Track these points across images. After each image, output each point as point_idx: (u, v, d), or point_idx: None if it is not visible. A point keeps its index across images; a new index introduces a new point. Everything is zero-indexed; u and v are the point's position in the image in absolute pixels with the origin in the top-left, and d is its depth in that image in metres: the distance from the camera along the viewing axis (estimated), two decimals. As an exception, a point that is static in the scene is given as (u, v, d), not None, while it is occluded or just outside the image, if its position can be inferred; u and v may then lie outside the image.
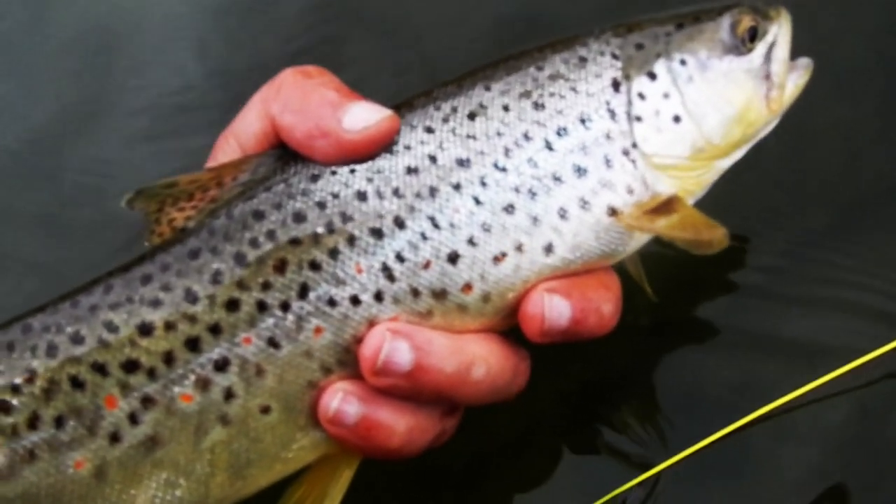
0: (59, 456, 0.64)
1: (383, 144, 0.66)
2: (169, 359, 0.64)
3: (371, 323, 0.64)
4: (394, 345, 0.62)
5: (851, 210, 0.80)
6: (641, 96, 0.67)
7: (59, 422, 0.64)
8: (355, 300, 0.64)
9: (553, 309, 0.64)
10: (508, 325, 0.67)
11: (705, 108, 0.68)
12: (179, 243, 0.67)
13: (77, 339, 0.65)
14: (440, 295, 0.64)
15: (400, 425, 0.64)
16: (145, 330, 0.64)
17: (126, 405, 0.64)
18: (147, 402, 0.64)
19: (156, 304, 0.65)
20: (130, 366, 0.64)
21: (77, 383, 0.64)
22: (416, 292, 0.64)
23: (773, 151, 0.76)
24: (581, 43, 0.69)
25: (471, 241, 0.65)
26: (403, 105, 0.68)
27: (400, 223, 0.65)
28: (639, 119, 0.67)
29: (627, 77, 0.67)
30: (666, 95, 0.67)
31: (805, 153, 0.82)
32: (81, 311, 0.66)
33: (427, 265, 0.64)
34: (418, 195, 0.65)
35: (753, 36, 0.69)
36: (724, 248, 0.66)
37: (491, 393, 0.66)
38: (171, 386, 0.64)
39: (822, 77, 0.73)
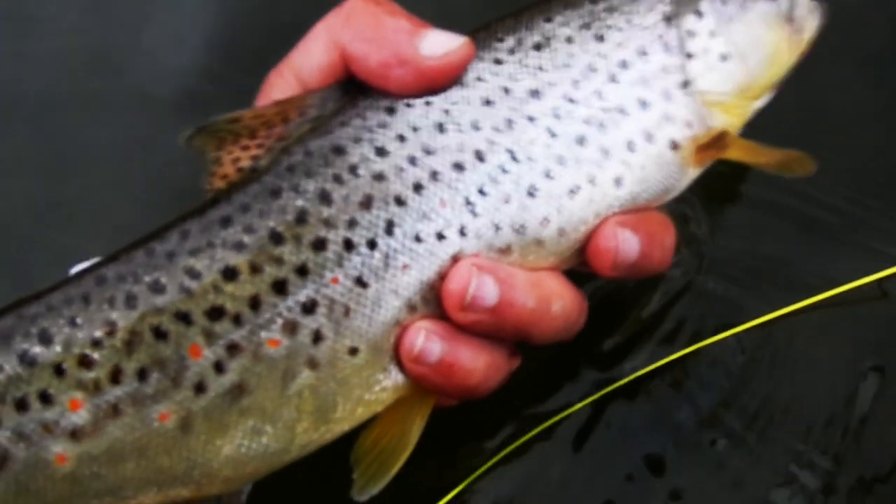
0: (143, 409, 0.62)
1: (460, 73, 0.65)
2: (255, 303, 0.63)
3: (455, 259, 0.64)
4: (481, 279, 0.63)
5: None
6: (691, 33, 0.69)
7: (142, 374, 0.62)
8: (440, 235, 0.64)
9: (626, 241, 0.66)
10: (573, 264, 0.69)
11: (746, 47, 0.71)
12: (256, 182, 0.65)
13: (157, 288, 0.62)
14: (520, 229, 0.65)
15: (479, 363, 0.65)
16: (230, 274, 0.62)
17: (211, 354, 0.62)
18: (233, 349, 0.62)
19: (239, 247, 0.63)
20: (215, 313, 0.62)
21: (160, 334, 0.62)
22: (497, 227, 0.65)
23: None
24: None
25: (547, 174, 0.66)
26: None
27: (480, 156, 0.65)
28: (690, 56, 0.69)
29: (677, 13, 0.69)
30: (712, 34, 0.70)
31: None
32: (159, 259, 0.63)
33: (508, 199, 0.65)
34: (495, 128, 0.66)
35: None
36: (814, 169, 0.69)
37: (564, 329, 0.68)
38: (258, 331, 0.62)
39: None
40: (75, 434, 0.62)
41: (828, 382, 0.79)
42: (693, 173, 0.71)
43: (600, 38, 0.68)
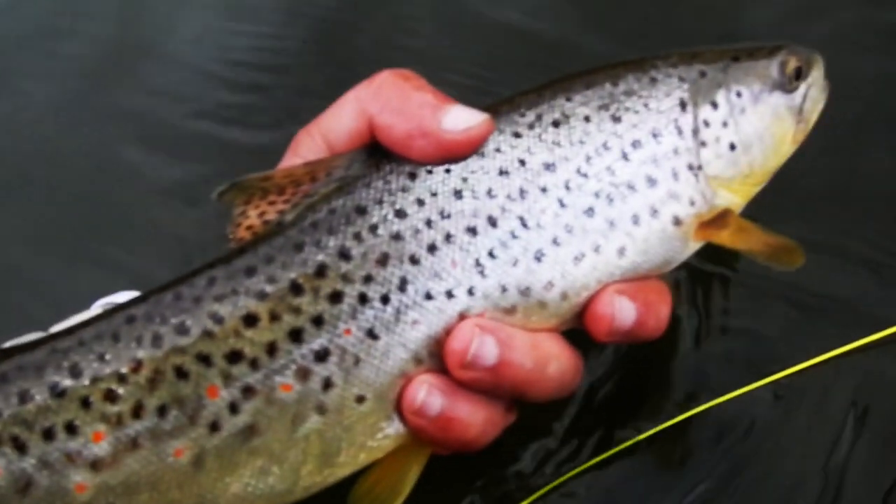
0: (160, 444, 0.66)
1: (478, 146, 0.70)
2: (272, 349, 0.66)
3: (462, 316, 0.68)
4: (482, 340, 0.66)
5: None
6: (706, 123, 0.73)
7: (161, 411, 0.65)
8: (450, 294, 0.68)
9: (622, 310, 0.69)
10: (572, 326, 0.72)
11: (753, 138, 0.74)
12: (281, 236, 0.69)
13: (182, 330, 0.66)
14: (525, 292, 0.69)
15: (477, 418, 0.68)
16: (250, 321, 0.66)
17: (227, 395, 0.66)
18: (248, 391, 0.66)
19: (261, 295, 0.67)
20: (234, 356, 0.66)
21: (181, 373, 0.66)
22: (504, 288, 0.69)
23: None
24: (651, 64, 0.74)
25: (555, 241, 0.70)
26: (488, 110, 0.72)
27: (493, 222, 0.69)
28: (704, 144, 0.73)
29: (694, 102, 0.73)
30: (724, 124, 0.74)
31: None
32: (186, 303, 0.67)
33: (515, 262, 0.69)
34: (509, 196, 0.70)
35: (797, 76, 0.76)
36: (801, 262, 0.72)
37: (558, 389, 0.71)
38: (273, 376, 0.66)
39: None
40: (95, 465, 0.66)
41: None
42: (694, 246, 0.74)
43: (617, 119, 0.72)
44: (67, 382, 0.66)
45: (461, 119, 0.68)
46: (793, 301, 0.84)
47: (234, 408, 0.66)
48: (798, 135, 0.77)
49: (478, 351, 0.66)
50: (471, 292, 0.68)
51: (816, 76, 0.77)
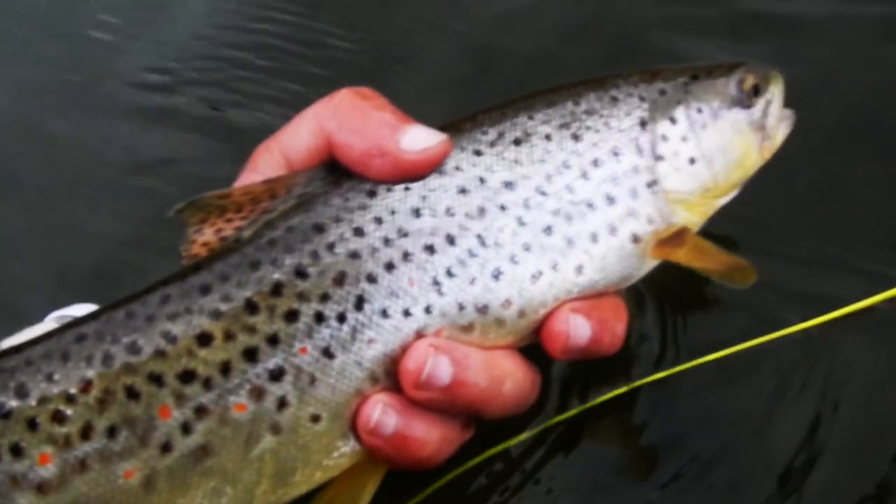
0: (109, 466, 0.64)
1: (436, 166, 0.70)
2: (226, 369, 0.65)
3: (419, 335, 0.67)
4: (436, 360, 0.66)
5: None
6: (664, 138, 0.74)
7: (111, 432, 0.64)
8: (407, 312, 0.67)
9: (577, 328, 0.69)
10: (528, 343, 0.72)
11: (715, 152, 0.75)
12: (237, 253, 0.68)
13: (134, 350, 0.65)
14: (482, 309, 0.69)
15: (432, 436, 0.68)
16: (204, 340, 0.65)
17: (180, 415, 0.65)
18: (201, 411, 0.65)
19: (216, 314, 0.66)
20: (187, 376, 0.65)
21: (132, 393, 0.64)
22: (461, 306, 0.68)
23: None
24: (612, 83, 0.75)
25: (513, 259, 0.70)
26: (449, 127, 0.72)
27: (451, 240, 0.69)
28: (661, 158, 0.74)
29: (653, 119, 0.74)
30: (684, 139, 0.74)
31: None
32: (138, 322, 0.66)
33: (473, 280, 0.69)
34: (468, 214, 0.70)
35: (756, 92, 0.77)
36: (754, 280, 0.72)
37: (514, 406, 0.71)
38: (227, 395, 0.65)
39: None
40: (42, 487, 0.64)
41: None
42: (651, 263, 0.74)
43: (577, 138, 0.72)
44: (13, 403, 0.65)
45: (419, 139, 0.68)
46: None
47: (186, 428, 0.65)
48: (765, 151, 0.78)
49: (432, 371, 0.66)
50: (428, 310, 0.68)
51: (775, 92, 0.79)
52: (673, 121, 0.75)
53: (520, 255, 0.69)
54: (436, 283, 0.68)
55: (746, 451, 0.79)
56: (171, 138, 1.05)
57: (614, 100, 0.74)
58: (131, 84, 1.09)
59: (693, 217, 0.75)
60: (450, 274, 0.68)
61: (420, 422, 0.67)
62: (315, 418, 0.66)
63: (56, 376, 0.65)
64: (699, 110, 0.75)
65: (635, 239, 0.72)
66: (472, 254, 0.69)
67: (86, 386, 0.64)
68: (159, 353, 0.65)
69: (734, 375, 0.81)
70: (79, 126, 1.07)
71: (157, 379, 0.65)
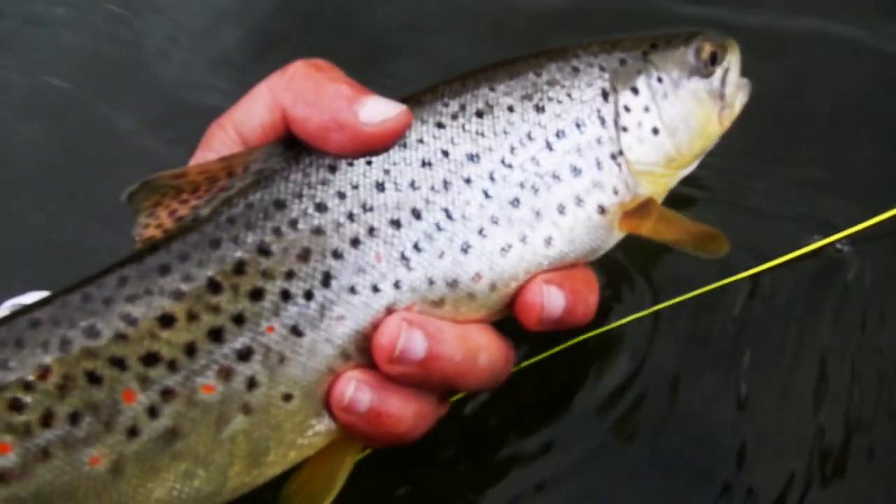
0: (74, 453, 0.63)
1: (396, 139, 0.68)
2: (191, 350, 0.64)
3: (389, 310, 0.67)
4: (409, 334, 0.65)
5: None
6: (627, 108, 0.74)
7: (74, 418, 0.63)
8: (375, 288, 0.67)
9: (551, 299, 0.70)
10: (501, 316, 0.72)
11: (677, 122, 0.76)
12: (196, 232, 0.66)
13: (92, 333, 0.63)
14: (453, 284, 0.68)
15: (407, 412, 0.67)
16: (166, 321, 0.64)
17: (145, 398, 0.63)
18: (167, 394, 0.64)
19: (177, 295, 0.64)
20: (150, 359, 0.64)
21: (94, 378, 0.63)
22: (431, 281, 0.68)
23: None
24: (572, 54, 0.75)
25: (481, 233, 0.69)
26: (410, 100, 0.71)
27: (417, 214, 0.68)
28: (625, 129, 0.74)
29: (615, 90, 0.74)
30: (646, 109, 0.75)
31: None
32: (95, 305, 0.64)
33: (442, 255, 0.68)
34: (433, 188, 0.69)
35: (713, 61, 0.78)
36: (727, 249, 0.73)
37: (489, 379, 0.71)
38: (193, 377, 0.64)
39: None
40: (3, 477, 0.63)
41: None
42: (619, 235, 0.75)
43: (540, 109, 0.72)
44: None
45: (378, 111, 0.67)
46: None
47: (153, 411, 0.64)
48: (724, 119, 0.79)
49: (406, 345, 0.65)
50: (397, 286, 0.67)
51: (732, 60, 0.79)
52: (635, 91, 0.75)
53: (488, 228, 0.69)
54: (404, 257, 0.67)
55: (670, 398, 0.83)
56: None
57: (576, 70, 0.74)
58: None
59: (657, 188, 0.76)
60: (417, 248, 0.68)
61: (395, 397, 0.67)
62: (287, 397, 0.65)
63: (11, 363, 0.63)
64: (660, 80, 0.76)
65: (602, 210, 0.72)
66: (439, 228, 0.68)
67: (44, 373, 0.63)
68: (120, 337, 0.64)
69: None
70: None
71: (118, 363, 0.63)
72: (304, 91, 0.68)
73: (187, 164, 0.72)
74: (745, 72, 0.81)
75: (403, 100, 0.71)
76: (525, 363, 0.82)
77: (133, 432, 0.63)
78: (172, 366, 0.64)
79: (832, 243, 0.86)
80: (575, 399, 0.84)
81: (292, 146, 0.70)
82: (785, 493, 0.78)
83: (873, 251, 0.87)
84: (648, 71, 0.76)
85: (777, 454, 0.80)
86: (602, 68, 0.74)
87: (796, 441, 0.80)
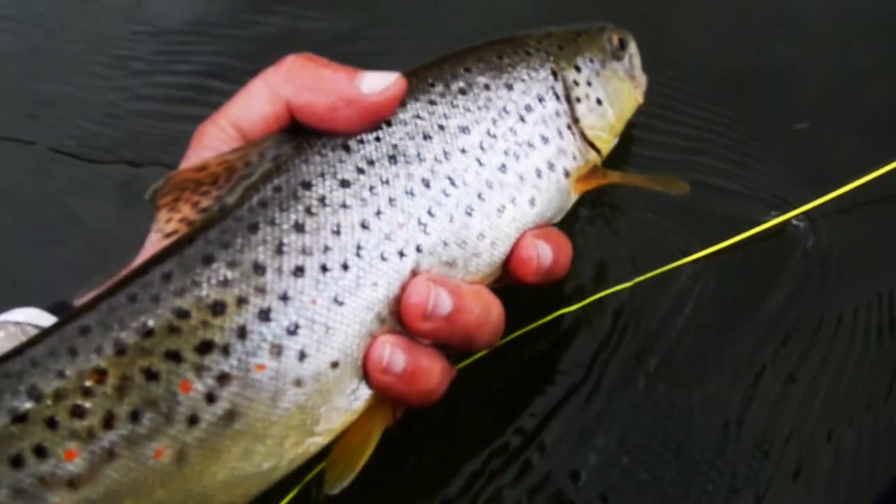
0: (138, 449, 0.63)
1: (397, 105, 0.74)
2: (242, 333, 0.66)
3: (413, 273, 0.72)
4: (437, 291, 0.71)
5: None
6: (575, 83, 0.86)
7: (135, 416, 0.63)
8: (401, 254, 0.72)
9: (543, 250, 0.78)
10: (497, 277, 0.79)
11: (612, 94, 0.89)
12: (230, 219, 0.68)
13: (145, 332, 0.64)
14: (462, 244, 0.75)
15: (436, 369, 0.73)
16: (218, 309, 0.66)
17: (202, 386, 0.65)
18: (223, 379, 0.65)
19: (225, 282, 0.66)
20: (204, 347, 0.65)
21: (150, 375, 0.64)
22: (445, 243, 0.74)
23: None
24: (521, 42, 0.85)
25: (480, 196, 0.77)
26: None
27: (426, 183, 0.75)
28: (578, 100, 0.85)
29: (562, 69, 0.85)
30: (589, 84, 0.87)
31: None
32: (144, 304, 0.65)
33: (452, 218, 0.75)
34: (436, 158, 0.76)
35: (622, 47, 0.92)
36: (687, 188, 0.86)
37: (495, 334, 0.77)
38: (247, 358, 0.66)
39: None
40: (73, 483, 0.62)
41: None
42: (575, 198, 0.86)
43: (509, 87, 0.81)
44: (28, 405, 0.61)
45: (377, 82, 0.72)
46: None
47: (210, 398, 0.65)
48: (638, 95, 0.94)
49: (435, 302, 0.71)
50: (419, 250, 0.73)
51: (633, 47, 0.95)
52: (577, 69, 0.87)
53: (485, 192, 0.77)
54: (420, 223, 0.73)
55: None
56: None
57: (528, 54, 0.84)
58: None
59: (603, 152, 0.88)
60: (431, 214, 0.74)
61: (423, 356, 0.72)
62: (334, 364, 0.69)
63: (68, 372, 0.62)
64: (591, 60, 0.89)
65: (566, 174, 0.83)
66: (446, 194, 0.75)
67: (101, 376, 0.62)
68: (173, 330, 0.64)
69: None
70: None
71: (174, 356, 0.64)
72: (304, 79, 0.72)
73: (178, 166, 0.74)
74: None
75: None
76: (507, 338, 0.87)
77: (193, 420, 0.65)
78: (226, 351, 0.66)
79: (789, 220, 0.92)
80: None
81: (298, 133, 0.74)
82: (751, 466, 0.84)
83: (830, 227, 0.92)
84: (582, 53, 0.88)
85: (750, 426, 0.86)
86: (547, 52, 0.86)
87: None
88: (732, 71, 1.04)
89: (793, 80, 1.03)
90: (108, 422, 0.62)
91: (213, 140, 0.74)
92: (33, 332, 0.69)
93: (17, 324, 0.72)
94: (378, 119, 0.73)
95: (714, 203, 0.96)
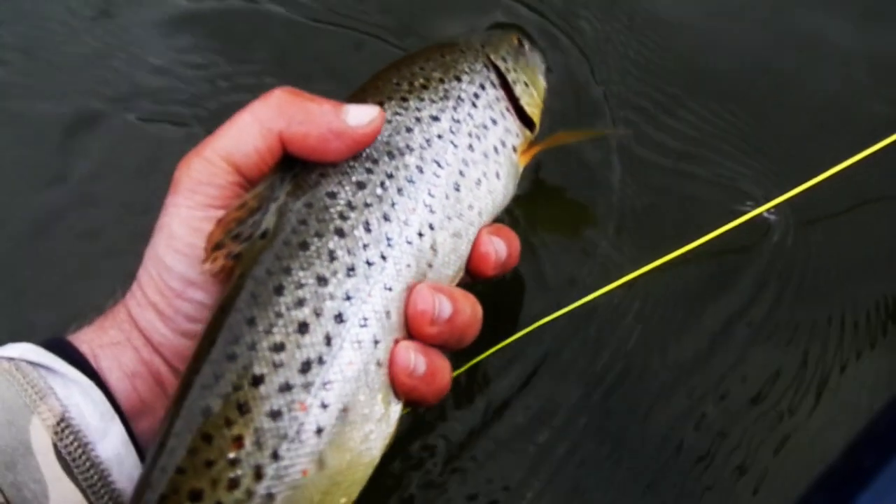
0: (287, 479, 0.69)
1: (378, 134, 0.80)
2: (328, 339, 0.72)
3: (433, 250, 0.79)
4: (439, 297, 0.76)
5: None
6: (506, 70, 0.98)
7: (275, 456, 0.68)
8: (420, 234, 0.79)
9: (498, 245, 0.83)
10: (462, 275, 0.86)
11: (531, 78, 1.01)
12: (279, 243, 0.73)
13: (257, 381, 0.69)
14: (460, 216, 0.83)
15: (446, 366, 0.77)
16: (304, 329, 0.71)
17: (315, 399, 0.70)
18: (327, 384, 0.71)
19: (300, 302, 0.71)
20: (306, 366, 0.70)
21: (275, 415, 0.68)
22: (448, 218, 0.81)
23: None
24: (453, 44, 0.95)
25: (461, 173, 0.85)
26: (369, 89, 0.84)
27: (420, 169, 0.80)
28: (514, 83, 0.97)
29: (492, 61, 0.97)
30: (515, 70, 0.99)
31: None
32: (244, 357, 0.69)
33: (447, 196, 0.82)
34: (421, 146, 0.82)
35: (522, 44, 1.06)
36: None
37: (478, 331, 0.81)
38: (339, 356, 0.72)
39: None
40: None
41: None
42: (521, 169, 0.97)
43: (458, 79, 0.91)
44: None
45: (362, 115, 0.78)
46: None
47: (324, 405, 0.70)
48: (543, 81, 1.06)
49: (440, 307, 0.76)
50: (431, 227, 0.81)
51: (529, 44, 1.08)
52: (504, 59, 0.99)
53: (464, 169, 0.86)
54: (426, 204, 0.81)
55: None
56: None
57: (462, 52, 0.95)
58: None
59: (535, 130, 1.00)
60: (431, 195, 0.82)
61: (435, 355, 0.77)
62: (378, 364, 0.74)
63: (206, 454, 0.68)
64: (509, 52, 1.01)
65: (514, 150, 0.94)
66: (436, 175, 0.83)
67: (238, 442, 0.68)
68: (278, 366, 0.69)
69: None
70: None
71: (286, 388, 0.69)
72: (294, 113, 0.76)
73: (164, 203, 0.76)
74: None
75: (362, 89, 0.84)
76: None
77: (320, 431, 0.69)
78: (321, 360, 0.70)
79: (761, 213, 0.97)
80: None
81: (295, 163, 0.78)
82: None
83: (800, 218, 0.99)
84: (503, 47, 1.00)
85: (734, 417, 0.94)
86: (476, 50, 0.96)
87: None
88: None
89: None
90: (259, 474, 0.68)
91: (206, 174, 0.75)
92: (27, 368, 0.70)
93: (10, 359, 0.70)
94: (362, 148, 0.79)
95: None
